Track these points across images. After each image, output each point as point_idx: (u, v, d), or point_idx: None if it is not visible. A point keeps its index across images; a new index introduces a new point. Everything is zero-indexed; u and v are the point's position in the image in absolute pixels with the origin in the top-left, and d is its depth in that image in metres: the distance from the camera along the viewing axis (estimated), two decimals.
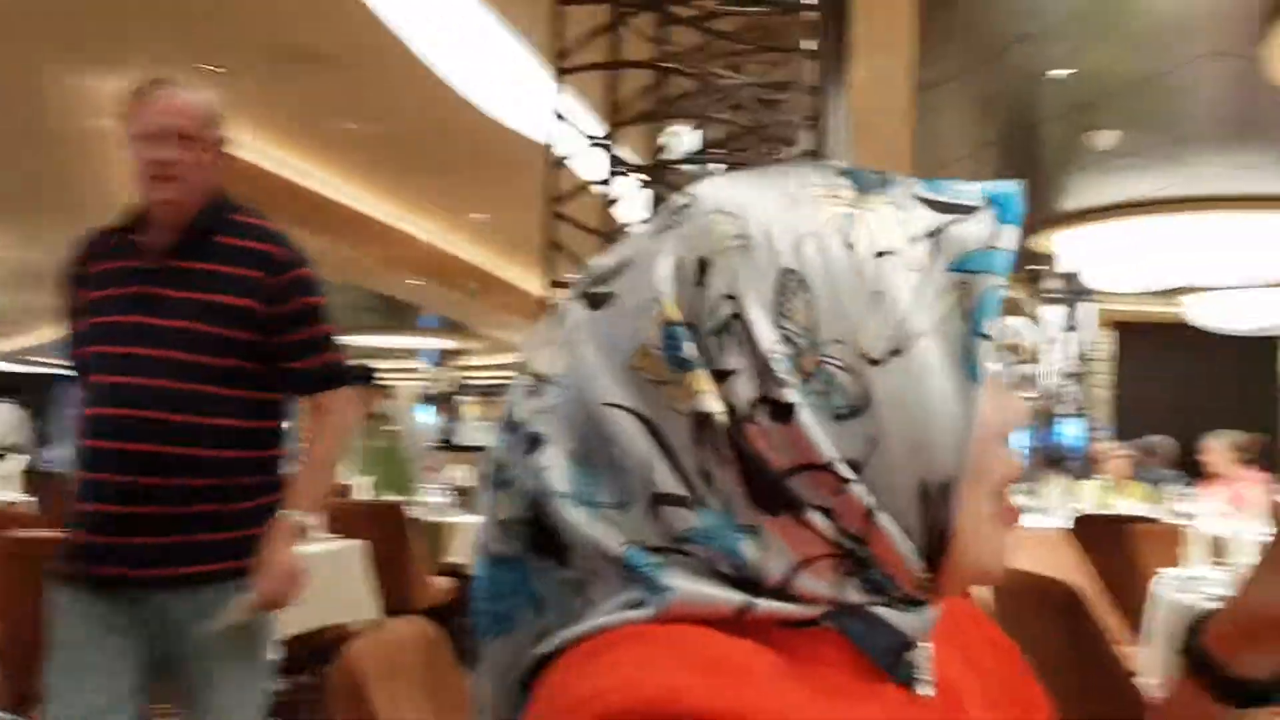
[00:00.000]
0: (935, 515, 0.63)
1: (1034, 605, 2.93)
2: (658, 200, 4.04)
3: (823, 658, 0.63)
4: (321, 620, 4.29)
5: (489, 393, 13.39)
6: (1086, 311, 12.40)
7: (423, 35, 6.03)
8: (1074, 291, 11.81)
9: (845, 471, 0.61)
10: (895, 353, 0.61)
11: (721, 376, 0.62)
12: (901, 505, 0.62)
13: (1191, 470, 7.73)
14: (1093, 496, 7.40)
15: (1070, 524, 5.69)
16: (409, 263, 10.87)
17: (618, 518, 0.63)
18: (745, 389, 0.61)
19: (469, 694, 2.00)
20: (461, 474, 9.30)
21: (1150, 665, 3.56)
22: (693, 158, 4.19)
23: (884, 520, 0.62)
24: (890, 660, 0.65)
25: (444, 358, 19.92)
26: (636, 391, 0.63)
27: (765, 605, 0.61)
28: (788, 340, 0.61)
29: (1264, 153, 6.59)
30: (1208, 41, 5.57)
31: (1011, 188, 0.65)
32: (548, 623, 0.65)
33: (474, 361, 20.06)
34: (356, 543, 4.70)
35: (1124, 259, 8.63)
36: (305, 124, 7.50)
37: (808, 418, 0.61)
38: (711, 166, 4.32)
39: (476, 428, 12.75)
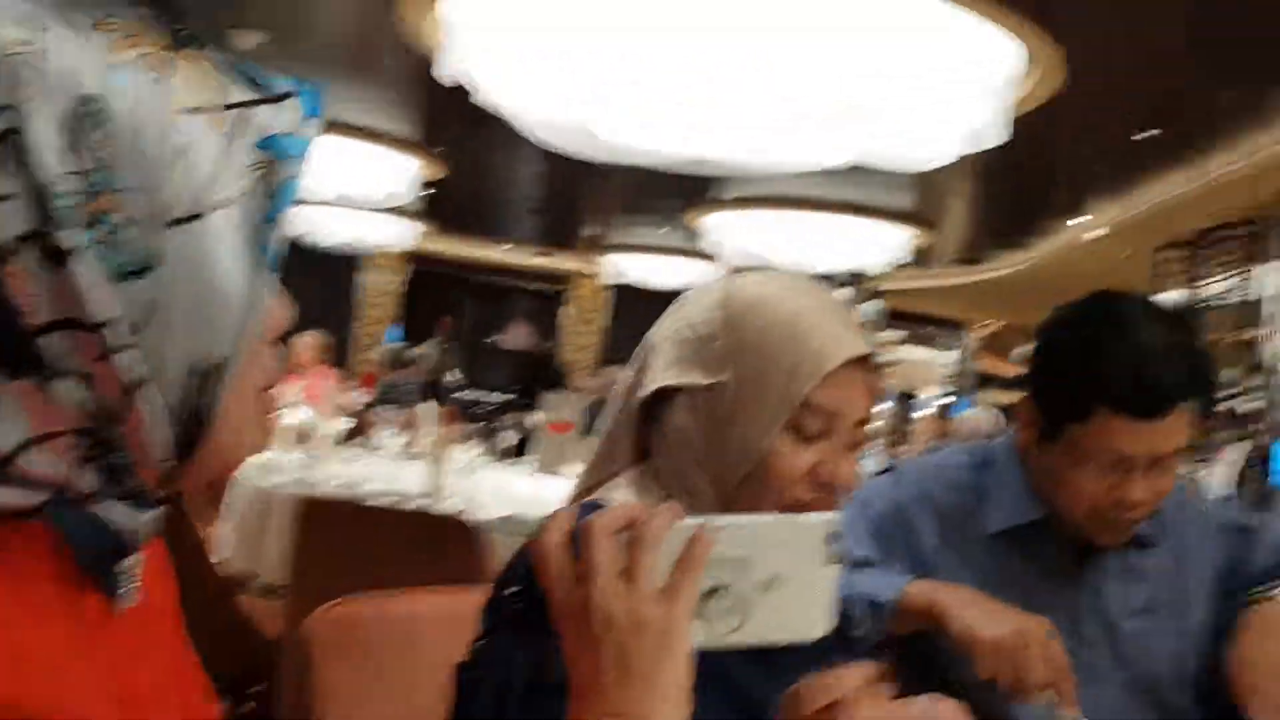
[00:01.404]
0: (202, 395, 0.59)
1: None
2: None
3: (32, 556, 0.57)
4: None
5: None
6: None
7: None
8: None
9: (116, 337, 0.55)
10: (194, 216, 0.57)
11: None
12: (169, 380, 0.57)
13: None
14: None
15: None
16: None
17: None
18: (12, 221, 0.53)
19: None
20: None
21: (227, 543, 3.73)
22: None
23: (147, 395, 0.57)
24: (100, 567, 0.60)
25: None
26: None
27: None
28: (77, 175, 0.54)
29: (376, 90, 6.89)
30: None
31: (315, 86, 0.63)
32: None
33: None
34: None
35: None
36: None
37: (85, 268, 0.54)
38: None
39: None
